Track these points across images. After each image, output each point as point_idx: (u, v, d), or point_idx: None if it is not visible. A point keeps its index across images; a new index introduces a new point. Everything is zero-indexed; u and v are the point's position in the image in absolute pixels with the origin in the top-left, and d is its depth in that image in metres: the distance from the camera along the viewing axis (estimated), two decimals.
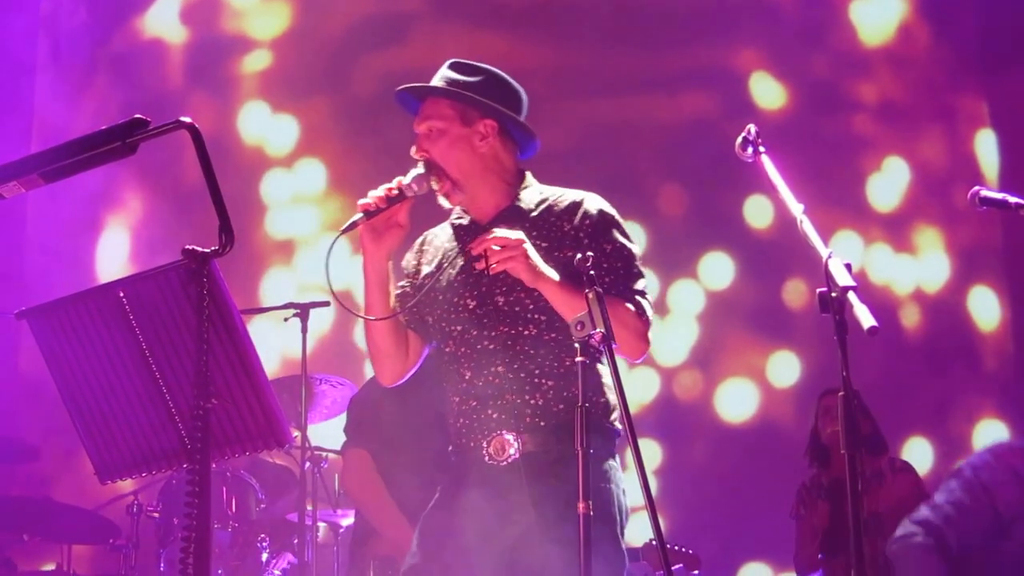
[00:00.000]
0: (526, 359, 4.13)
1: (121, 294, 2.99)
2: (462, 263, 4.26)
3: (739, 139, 3.97)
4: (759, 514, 8.18)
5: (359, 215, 4.06)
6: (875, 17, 9.49)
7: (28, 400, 8.06)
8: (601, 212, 4.29)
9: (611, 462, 4.24)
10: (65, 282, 7.45)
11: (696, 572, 7.23)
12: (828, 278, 3.47)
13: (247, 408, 2.95)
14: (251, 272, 8.83)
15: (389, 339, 4.27)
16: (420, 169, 4.19)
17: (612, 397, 4.23)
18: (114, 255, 8.77)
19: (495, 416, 4.13)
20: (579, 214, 4.27)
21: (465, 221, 4.35)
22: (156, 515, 6.83)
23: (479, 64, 4.40)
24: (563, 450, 4.01)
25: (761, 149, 3.94)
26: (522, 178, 4.40)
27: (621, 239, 4.26)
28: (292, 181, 9.02)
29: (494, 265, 3.98)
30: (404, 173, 4.16)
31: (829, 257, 3.50)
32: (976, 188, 4.43)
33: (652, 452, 8.60)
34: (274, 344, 8.23)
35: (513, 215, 4.27)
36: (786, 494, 7.45)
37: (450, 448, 4.33)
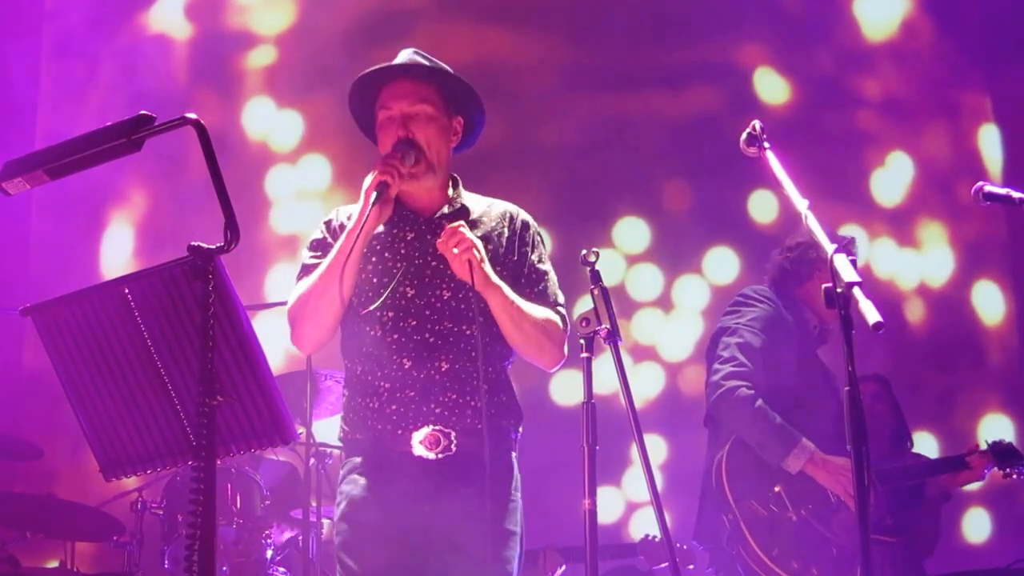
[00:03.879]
0: (467, 360, 4.16)
1: (126, 291, 2.98)
2: (403, 250, 4.25)
3: (744, 135, 4.01)
4: None
5: (381, 184, 4.05)
6: (878, 12, 9.50)
7: (32, 397, 8.04)
8: (533, 225, 4.44)
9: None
10: (69, 279, 7.46)
11: (691, 567, 7.22)
12: (833, 274, 3.47)
13: (252, 405, 2.94)
14: (256, 268, 8.81)
15: (339, 311, 4.21)
16: (408, 147, 4.18)
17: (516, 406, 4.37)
18: (119, 251, 8.75)
19: (437, 411, 4.13)
20: (514, 223, 4.39)
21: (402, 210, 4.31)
22: (160, 512, 6.81)
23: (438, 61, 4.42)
24: (493, 453, 4.10)
25: (766, 145, 3.97)
26: (455, 181, 4.43)
27: (545, 255, 4.43)
28: (297, 177, 9.00)
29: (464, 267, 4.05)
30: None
31: (835, 253, 3.52)
32: (980, 183, 4.46)
33: (657, 447, 8.61)
34: (279, 340, 8.20)
35: (460, 213, 4.32)
36: None
37: (347, 429, 4.35)
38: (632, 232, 9.04)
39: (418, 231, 4.27)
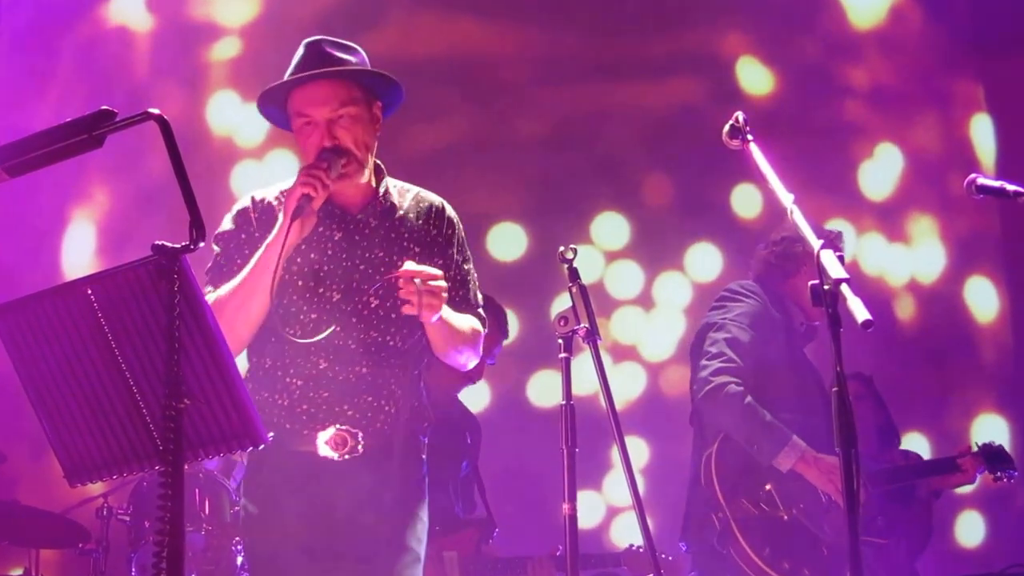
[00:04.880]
0: (386, 367, 4.13)
1: (89, 291, 2.96)
2: (330, 250, 4.17)
3: (726, 127, 4.08)
4: None
5: (304, 197, 3.94)
6: None
7: None
8: (457, 223, 4.42)
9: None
10: (30, 279, 7.34)
11: None
12: (820, 270, 3.46)
13: (220, 408, 2.93)
14: None
15: (256, 324, 4.06)
16: (335, 155, 4.07)
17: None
18: (80, 251, 8.65)
19: (349, 412, 4.09)
20: (441, 221, 4.36)
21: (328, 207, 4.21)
22: (126, 518, 6.78)
23: (345, 41, 4.31)
24: (400, 455, 4.14)
25: (749, 137, 4.04)
26: (378, 168, 4.35)
27: (468, 252, 4.44)
28: (263, 173, 8.88)
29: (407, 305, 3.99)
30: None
31: (821, 249, 3.50)
32: (973, 176, 4.50)
33: (639, 450, 8.61)
34: None
35: (388, 211, 4.27)
36: None
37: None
38: (611, 228, 9.03)
39: (346, 231, 4.20)
